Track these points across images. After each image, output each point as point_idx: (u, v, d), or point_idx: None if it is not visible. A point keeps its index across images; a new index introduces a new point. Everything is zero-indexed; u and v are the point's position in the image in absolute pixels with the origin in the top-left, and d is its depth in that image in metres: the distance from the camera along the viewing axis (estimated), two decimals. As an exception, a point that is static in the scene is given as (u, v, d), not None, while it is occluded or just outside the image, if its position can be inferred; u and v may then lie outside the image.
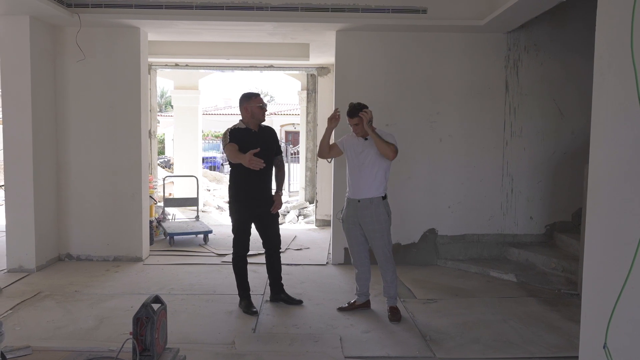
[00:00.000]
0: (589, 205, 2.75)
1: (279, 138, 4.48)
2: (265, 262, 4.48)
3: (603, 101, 2.63)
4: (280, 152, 4.40)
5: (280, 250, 4.47)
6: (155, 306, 2.60)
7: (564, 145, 5.80)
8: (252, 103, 4.15)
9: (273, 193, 4.32)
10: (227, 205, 4.30)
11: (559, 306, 4.40)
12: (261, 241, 4.40)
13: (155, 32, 5.95)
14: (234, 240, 4.30)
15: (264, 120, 4.23)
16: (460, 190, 5.78)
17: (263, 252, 5.79)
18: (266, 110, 4.24)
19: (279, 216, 4.42)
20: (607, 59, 2.64)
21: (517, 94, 5.73)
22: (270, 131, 4.35)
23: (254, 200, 4.17)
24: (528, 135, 5.77)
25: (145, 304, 2.48)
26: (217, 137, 25.00)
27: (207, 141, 22.49)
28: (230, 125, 4.28)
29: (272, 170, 4.28)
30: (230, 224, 4.34)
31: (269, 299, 4.50)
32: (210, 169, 17.25)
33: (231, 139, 4.10)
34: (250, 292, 4.38)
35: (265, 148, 4.17)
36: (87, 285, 4.88)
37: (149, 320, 2.44)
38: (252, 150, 3.86)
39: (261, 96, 4.33)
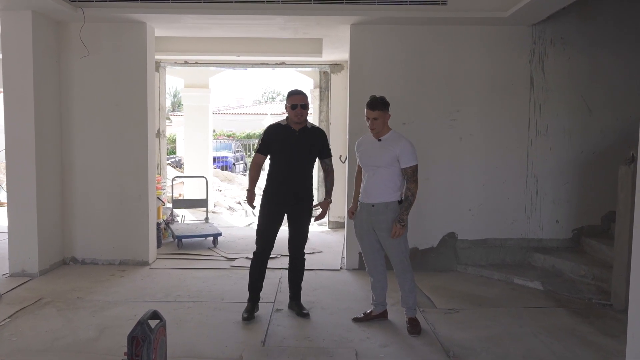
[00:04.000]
0: (637, 207, 2.46)
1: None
2: (281, 267, 4.27)
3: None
4: (329, 155, 4.14)
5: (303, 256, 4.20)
6: (154, 322, 2.38)
7: (592, 145, 5.47)
8: (287, 102, 3.96)
9: (306, 194, 4.10)
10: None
11: (591, 318, 4.09)
12: (275, 245, 4.18)
13: (162, 27, 5.73)
14: (256, 236, 4.10)
15: (297, 121, 3.92)
16: (481, 192, 5.48)
17: (275, 256, 5.58)
18: (300, 112, 3.89)
19: (308, 221, 4.14)
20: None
21: (542, 90, 5.41)
22: (317, 133, 4.07)
23: (281, 199, 3.97)
24: (554, 134, 5.45)
25: (141, 321, 2.25)
26: (229, 136, 24.88)
27: (219, 140, 22.35)
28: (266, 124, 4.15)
29: (308, 173, 4.07)
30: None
31: (279, 307, 4.25)
32: (222, 169, 17.08)
33: (266, 136, 4.01)
34: (261, 300, 4.17)
35: (303, 150, 3.96)
36: (90, 291, 4.67)
37: (145, 339, 2.21)
38: (254, 203, 4.09)
39: (304, 95, 3.97)
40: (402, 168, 3.70)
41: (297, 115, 3.90)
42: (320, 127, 4.16)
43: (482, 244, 5.52)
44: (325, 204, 4.15)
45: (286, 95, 4.04)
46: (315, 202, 4.24)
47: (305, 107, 3.93)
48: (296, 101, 3.90)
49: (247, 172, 4.06)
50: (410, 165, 3.68)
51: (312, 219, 4.20)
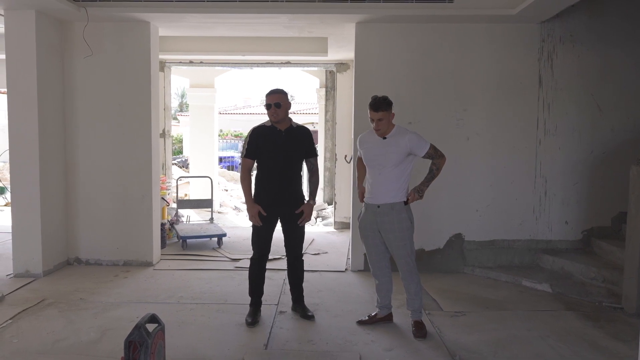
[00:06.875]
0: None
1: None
2: (285, 268, 4.20)
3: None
4: (315, 154, 4.07)
5: (301, 257, 4.13)
6: (152, 326, 2.34)
7: (602, 144, 5.36)
8: (266, 101, 3.89)
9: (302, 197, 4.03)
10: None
11: (601, 321, 4.00)
12: (279, 246, 4.12)
13: (166, 26, 5.69)
14: (251, 241, 4.03)
15: (273, 120, 3.85)
16: (489, 192, 5.39)
17: (279, 257, 5.53)
18: (274, 111, 3.80)
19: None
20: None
21: (551, 89, 5.32)
22: (302, 132, 3.99)
23: (272, 201, 3.89)
24: (563, 134, 5.35)
25: (138, 326, 2.21)
26: (236, 136, 24.89)
27: (226, 140, 22.36)
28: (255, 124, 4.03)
29: (297, 172, 4.02)
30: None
31: (283, 309, 4.20)
32: (229, 169, 17.07)
33: (253, 138, 3.88)
34: (264, 302, 4.11)
35: (291, 150, 3.90)
36: (93, 292, 4.64)
37: (142, 344, 2.16)
38: (261, 212, 3.83)
39: (278, 94, 3.86)
40: (422, 157, 3.69)
41: (271, 114, 3.84)
42: (305, 127, 4.08)
43: (490, 245, 5.43)
44: (308, 206, 4.00)
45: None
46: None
47: (278, 105, 3.83)
48: (269, 100, 3.84)
49: (242, 186, 3.97)
50: (427, 149, 3.67)
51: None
